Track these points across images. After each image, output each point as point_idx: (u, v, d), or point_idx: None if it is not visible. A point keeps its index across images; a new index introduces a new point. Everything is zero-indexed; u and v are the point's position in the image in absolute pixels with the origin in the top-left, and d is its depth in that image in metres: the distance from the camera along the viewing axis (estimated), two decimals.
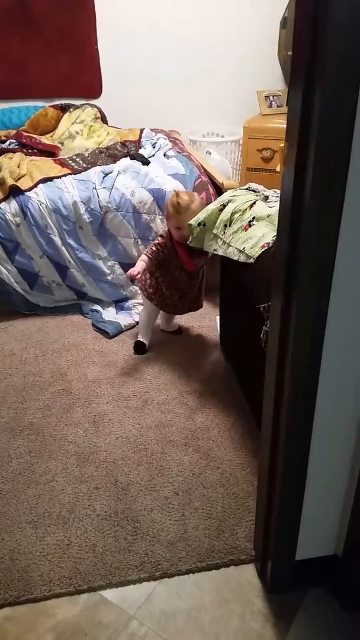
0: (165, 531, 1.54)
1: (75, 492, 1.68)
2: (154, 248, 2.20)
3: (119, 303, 2.76)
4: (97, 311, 2.70)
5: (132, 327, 2.58)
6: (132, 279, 2.27)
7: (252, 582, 1.42)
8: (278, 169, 3.05)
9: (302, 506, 1.24)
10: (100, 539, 1.53)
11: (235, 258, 1.79)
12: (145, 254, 2.20)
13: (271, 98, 3.65)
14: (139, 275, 2.15)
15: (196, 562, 1.46)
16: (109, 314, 2.68)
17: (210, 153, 3.56)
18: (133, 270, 2.15)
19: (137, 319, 2.60)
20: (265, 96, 3.65)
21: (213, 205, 2.00)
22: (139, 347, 2.37)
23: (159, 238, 2.22)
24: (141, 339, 2.39)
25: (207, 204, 2.29)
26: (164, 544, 1.51)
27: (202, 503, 1.63)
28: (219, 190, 2.68)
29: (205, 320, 2.60)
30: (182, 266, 2.20)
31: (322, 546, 1.33)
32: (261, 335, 1.53)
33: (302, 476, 1.20)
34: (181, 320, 2.55)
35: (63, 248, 2.65)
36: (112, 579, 1.42)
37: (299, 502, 1.23)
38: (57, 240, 2.63)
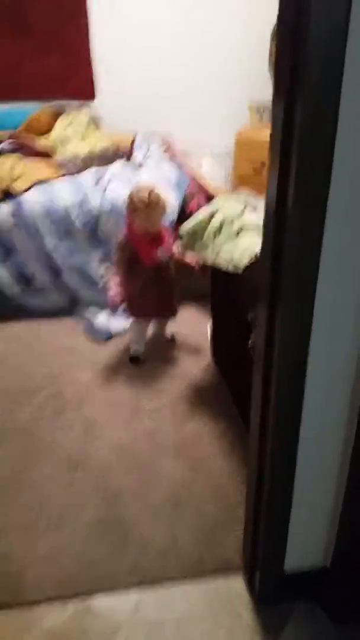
0: (154, 540, 1.54)
1: (66, 499, 1.67)
2: (117, 260, 2.23)
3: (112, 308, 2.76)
4: (89, 315, 2.70)
5: (124, 332, 2.58)
6: (115, 305, 2.32)
7: (241, 594, 1.41)
8: None
9: (289, 517, 1.24)
10: (90, 546, 1.52)
11: (224, 268, 1.79)
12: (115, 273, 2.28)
13: (262, 110, 3.68)
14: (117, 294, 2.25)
15: (185, 572, 1.46)
16: (102, 318, 2.68)
17: (202, 162, 3.57)
18: (114, 296, 2.26)
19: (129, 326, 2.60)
20: (257, 108, 3.68)
21: (203, 214, 2.00)
22: (135, 361, 2.37)
23: (118, 250, 2.24)
24: (135, 354, 2.37)
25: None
26: (153, 553, 1.50)
27: (192, 512, 1.63)
28: (210, 198, 2.69)
29: (197, 329, 2.60)
30: (145, 265, 2.19)
31: (310, 557, 1.33)
32: (249, 345, 1.54)
33: (290, 486, 1.20)
34: (173, 328, 2.55)
35: (56, 251, 2.64)
36: (100, 587, 1.42)
37: (286, 512, 1.23)
38: (50, 243, 2.63)
